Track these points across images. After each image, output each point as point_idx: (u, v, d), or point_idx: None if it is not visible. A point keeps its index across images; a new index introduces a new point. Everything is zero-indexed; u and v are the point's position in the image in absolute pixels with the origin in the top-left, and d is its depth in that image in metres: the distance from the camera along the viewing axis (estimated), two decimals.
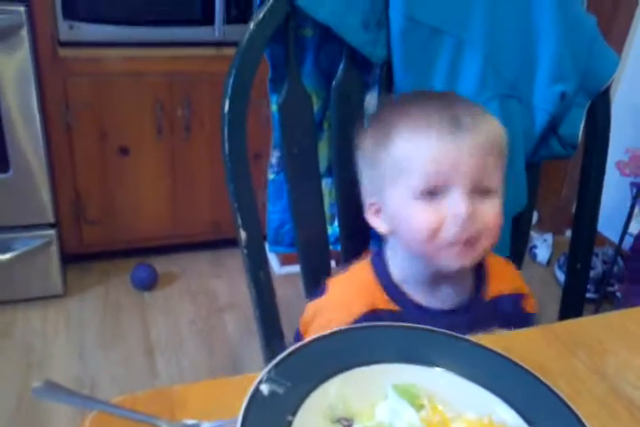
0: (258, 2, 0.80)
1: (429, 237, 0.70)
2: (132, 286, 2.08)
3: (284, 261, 2.15)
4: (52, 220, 1.90)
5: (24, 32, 1.62)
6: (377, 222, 0.78)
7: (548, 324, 0.73)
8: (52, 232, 1.91)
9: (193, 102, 1.95)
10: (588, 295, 1.96)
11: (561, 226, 2.54)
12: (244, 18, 1.89)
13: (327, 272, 0.90)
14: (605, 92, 0.95)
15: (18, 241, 1.87)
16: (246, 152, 0.82)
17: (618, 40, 2.22)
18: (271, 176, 0.93)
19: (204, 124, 1.99)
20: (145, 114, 1.93)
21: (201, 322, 1.98)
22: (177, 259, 2.24)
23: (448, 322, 0.74)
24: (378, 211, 0.78)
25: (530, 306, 0.86)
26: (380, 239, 0.94)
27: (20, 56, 1.65)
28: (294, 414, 0.48)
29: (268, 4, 0.78)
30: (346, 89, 0.86)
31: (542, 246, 2.43)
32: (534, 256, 2.41)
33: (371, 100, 0.90)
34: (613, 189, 1.71)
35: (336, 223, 0.94)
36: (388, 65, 0.86)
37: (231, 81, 0.79)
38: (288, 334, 0.87)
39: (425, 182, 0.70)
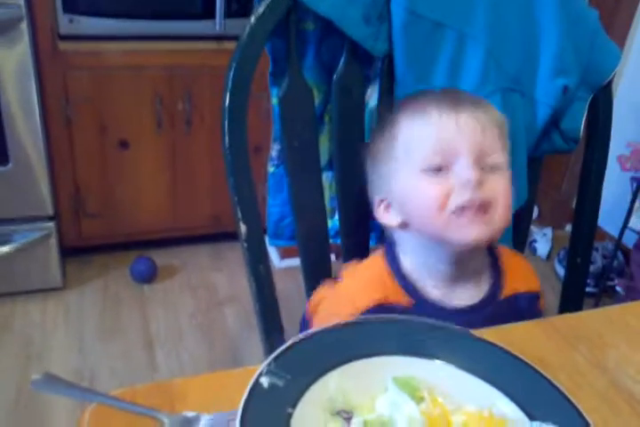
0: None
1: (439, 207, 0.70)
2: (131, 279, 2.08)
3: (284, 254, 2.15)
4: (51, 212, 1.90)
5: (24, 25, 1.61)
6: (388, 218, 0.78)
7: (549, 318, 0.73)
8: (51, 225, 1.91)
9: (193, 96, 1.94)
10: (588, 290, 1.96)
11: (561, 220, 2.54)
12: (244, 12, 1.88)
13: (327, 266, 0.90)
14: (607, 85, 0.94)
15: (17, 234, 1.87)
16: (246, 145, 0.82)
17: (620, 34, 2.22)
18: (271, 169, 0.93)
19: (204, 117, 1.98)
20: (145, 107, 1.92)
21: (201, 315, 1.98)
22: (177, 252, 2.24)
23: (463, 320, 0.74)
24: (387, 206, 0.78)
25: (542, 304, 0.86)
26: (380, 232, 0.94)
27: (20, 49, 1.64)
28: (294, 406, 0.49)
29: None
30: (347, 83, 0.86)
31: (542, 241, 2.43)
32: (534, 250, 2.41)
33: (372, 93, 0.89)
34: (614, 184, 1.71)
35: (336, 217, 0.94)
36: (389, 59, 0.86)
37: (232, 75, 0.79)
38: (288, 328, 0.87)
39: (430, 159, 0.71)
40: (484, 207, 0.70)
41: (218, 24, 1.89)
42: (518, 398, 0.54)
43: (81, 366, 1.73)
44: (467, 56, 0.86)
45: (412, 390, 0.53)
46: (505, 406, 0.53)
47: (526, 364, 0.57)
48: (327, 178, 0.93)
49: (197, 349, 1.84)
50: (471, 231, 0.70)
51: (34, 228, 1.89)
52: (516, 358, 0.57)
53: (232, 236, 0.91)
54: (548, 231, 2.47)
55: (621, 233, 1.98)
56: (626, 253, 2.27)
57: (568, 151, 0.98)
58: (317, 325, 0.77)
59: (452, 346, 0.58)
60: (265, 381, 0.49)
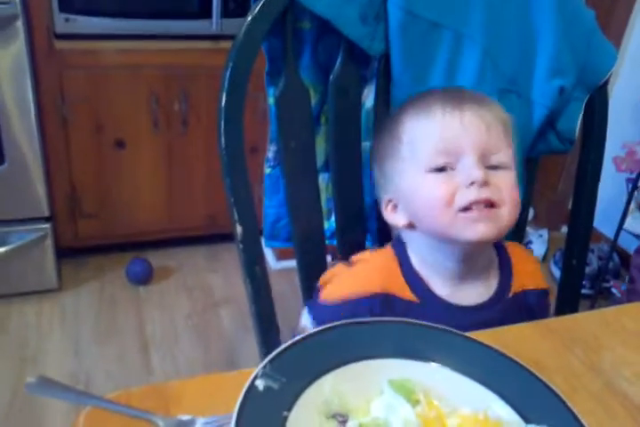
0: None
1: (444, 206, 0.70)
2: (127, 280, 2.08)
3: (280, 255, 2.14)
4: (47, 213, 1.89)
5: (19, 23, 1.61)
6: (395, 218, 0.78)
7: (544, 320, 0.73)
8: (47, 226, 1.90)
9: (190, 96, 1.94)
10: (584, 291, 1.96)
11: (557, 222, 2.54)
12: (241, 11, 1.88)
13: (323, 267, 0.89)
14: (603, 86, 0.94)
15: (12, 235, 1.86)
16: (243, 146, 0.82)
17: (616, 34, 2.22)
18: (268, 170, 0.93)
19: (200, 117, 1.98)
20: (141, 107, 1.92)
21: (196, 317, 1.97)
22: (173, 253, 2.24)
23: (473, 318, 0.74)
24: (395, 206, 0.78)
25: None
26: (376, 234, 0.94)
27: (16, 48, 1.64)
28: (289, 409, 0.48)
29: None
30: (343, 83, 0.86)
31: (538, 242, 2.43)
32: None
33: (368, 93, 0.89)
34: (609, 185, 1.71)
35: (332, 218, 0.93)
36: (386, 59, 0.86)
37: (228, 74, 0.79)
38: (284, 329, 0.87)
39: (434, 158, 0.71)
40: (489, 205, 0.70)
41: (214, 23, 1.88)
42: (513, 400, 0.54)
43: (76, 369, 1.72)
44: (463, 56, 0.86)
45: (408, 393, 0.53)
46: (500, 409, 0.53)
47: (521, 366, 0.57)
48: (324, 179, 0.92)
49: (193, 351, 1.83)
50: (477, 229, 0.70)
51: (29, 229, 1.88)
52: (511, 360, 0.57)
53: (228, 237, 0.91)
54: (544, 232, 2.47)
55: (617, 234, 1.98)
56: (621, 254, 2.27)
57: (564, 152, 0.98)
58: (324, 298, 0.78)
59: (447, 349, 0.58)
60: (260, 384, 0.49)
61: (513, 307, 0.79)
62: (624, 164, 1.91)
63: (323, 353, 0.54)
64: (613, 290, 2.11)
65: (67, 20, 1.75)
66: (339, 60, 0.85)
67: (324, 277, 0.82)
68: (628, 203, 1.93)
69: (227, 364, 1.78)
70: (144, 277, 2.08)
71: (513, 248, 0.84)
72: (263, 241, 0.91)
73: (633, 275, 1.93)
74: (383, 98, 0.88)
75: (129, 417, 0.51)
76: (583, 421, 0.51)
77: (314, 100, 0.87)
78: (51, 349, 1.78)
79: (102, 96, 1.87)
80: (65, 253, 2.07)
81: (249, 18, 0.78)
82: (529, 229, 2.47)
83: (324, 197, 0.92)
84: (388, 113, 0.88)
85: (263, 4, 0.78)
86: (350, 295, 0.76)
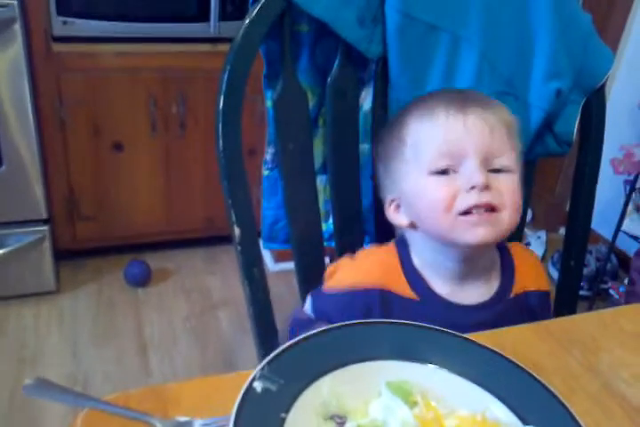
0: None
1: (445, 209, 0.70)
2: (125, 282, 2.07)
3: (279, 257, 2.14)
4: (45, 216, 1.89)
5: (17, 26, 1.61)
6: (398, 218, 0.79)
7: (542, 321, 0.73)
8: (45, 228, 1.90)
9: (188, 99, 1.94)
10: (582, 293, 1.97)
11: (555, 223, 2.54)
12: (239, 14, 1.88)
13: (321, 269, 0.89)
14: (600, 89, 0.94)
15: (11, 237, 1.86)
16: (241, 148, 0.82)
17: (613, 37, 2.23)
18: (266, 172, 0.93)
19: (198, 120, 1.98)
20: (139, 110, 1.92)
21: (194, 319, 1.97)
22: (171, 255, 2.24)
23: (473, 317, 0.74)
24: (398, 206, 0.78)
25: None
26: (374, 235, 0.94)
27: (14, 51, 1.64)
28: (287, 411, 0.48)
29: (263, 0, 0.78)
30: (341, 85, 0.86)
31: (536, 244, 2.43)
32: None
33: (366, 96, 0.89)
34: (607, 187, 1.72)
35: (330, 220, 0.94)
36: (383, 61, 0.86)
37: (226, 77, 0.79)
38: (281, 331, 0.87)
39: (437, 160, 0.71)
40: (490, 210, 0.70)
41: (212, 26, 1.89)
42: (511, 402, 0.54)
43: (74, 371, 1.72)
44: (461, 59, 0.86)
45: (406, 395, 0.53)
46: (498, 410, 0.53)
47: (520, 368, 0.57)
48: (321, 181, 0.92)
49: (191, 353, 1.83)
50: (477, 233, 0.70)
51: (27, 231, 1.88)
52: (509, 361, 0.57)
53: (226, 239, 0.90)
54: (542, 234, 2.48)
55: (615, 236, 1.99)
56: (619, 256, 2.27)
57: (561, 154, 0.98)
58: (326, 288, 0.79)
59: (445, 350, 0.58)
60: (258, 385, 0.49)
61: (514, 308, 0.80)
62: (622, 166, 1.91)
63: (320, 355, 0.54)
64: (611, 291, 2.11)
65: (64, 22, 1.75)
66: (336, 63, 0.85)
67: (329, 269, 0.83)
68: (626, 204, 1.94)
69: (225, 366, 1.78)
70: (142, 280, 2.07)
71: (516, 249, 0.84)
72: (261, 243, 0.91)
73: (633, 277, 1.93)
74: (381, 100, 0.88)
75: (127, 419, 0.51)
76: (581, 422, 0.51)
77: (311, 103, 0.87)
78: (49, 350, 1.78)
79: (100, 99, 1.87)
80: (63, 255, 2.07)
81: (247, 21, 0.78)
82: (527, 231, 2.47)
83: (321, 198, 0.92)
84: (385, 115, 0.88)
85: (261, 7, 0.78)
86: (349, 286, 0.77)
